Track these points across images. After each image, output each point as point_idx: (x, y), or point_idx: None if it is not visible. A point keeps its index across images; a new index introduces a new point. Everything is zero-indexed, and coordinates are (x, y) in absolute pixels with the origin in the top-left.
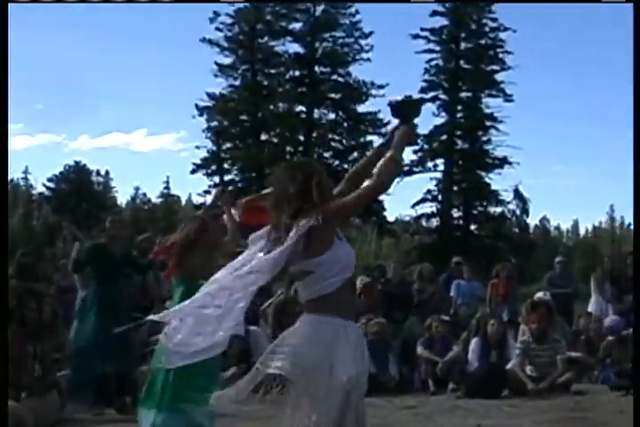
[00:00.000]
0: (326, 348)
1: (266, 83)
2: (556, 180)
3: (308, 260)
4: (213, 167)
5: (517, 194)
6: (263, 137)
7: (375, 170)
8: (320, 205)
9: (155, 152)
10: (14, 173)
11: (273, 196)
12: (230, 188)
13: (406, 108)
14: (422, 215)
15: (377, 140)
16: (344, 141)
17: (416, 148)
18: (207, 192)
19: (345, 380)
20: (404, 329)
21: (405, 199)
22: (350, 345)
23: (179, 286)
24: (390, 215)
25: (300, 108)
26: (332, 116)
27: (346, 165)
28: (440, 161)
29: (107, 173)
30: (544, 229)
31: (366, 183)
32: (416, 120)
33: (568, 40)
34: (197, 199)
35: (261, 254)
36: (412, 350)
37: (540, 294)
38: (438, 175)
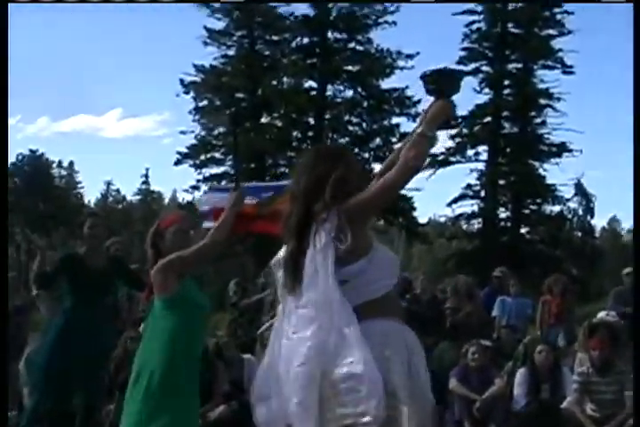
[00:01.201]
0: (402, 359)
1: (267, 52)
2: (629, 171)
3: (342, 269)
4: (203, 157)
5: (580, 189)
6: (264, 120)
7: (402, 152)
8: (331, 206)
9: (131, 139)
10: None
11: (289, 190)
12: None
13: (443, 83)
14: (461, 216)
15: (405, 123)
16: (364, 124)
17: (453, 132)
18: (195, 188)
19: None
20: (433, 357)
21: (440, 196)
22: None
23: (154, 308)
24: (422, 216)
25: (310, 83)
26: (349, 93)
27: (366, 154)
28: (483, 148)
29: (71, 164)
30: (614, 232)
31: (394, 169)
32: (454, 98)
33: None
34: (183, 196)
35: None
36: (444, 383)
37: (601, 314)
38: (481, 166)
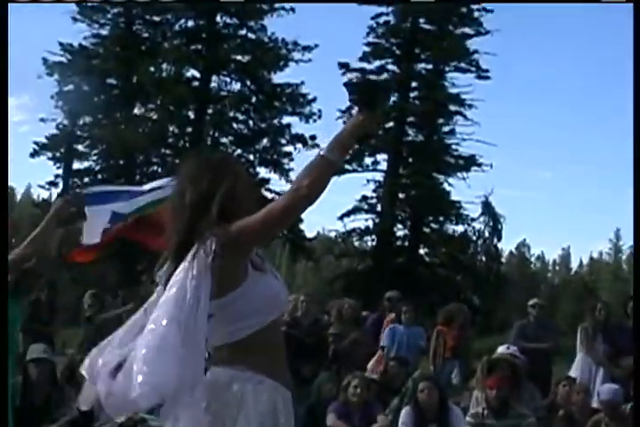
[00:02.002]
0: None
1: (146, 35)
2: (543, 192)
3: (211, 302)
4: (63, 150)
5: (487, 208)
6: (137, 111)
7: (297, 175)
8: (217, 226)
9: None
10: None
11: (169, 206)
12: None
13: (369, 93)
14: (353, 231)
15: (297, 124)
16: (251, 122)
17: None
18: (53, 184)
19: None
20: (312, 390)
21: (331, 208)
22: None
23: None
24: (309, 229)
25: (193, 72)
26: (236, 86)
27: (251, 156)
28: (382, 157)
29: None
30: (522, 258)
31: (282, 196)
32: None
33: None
34: (39, 193)
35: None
36: (323, 418)
37: (501, 349)
38: (379, 177)
